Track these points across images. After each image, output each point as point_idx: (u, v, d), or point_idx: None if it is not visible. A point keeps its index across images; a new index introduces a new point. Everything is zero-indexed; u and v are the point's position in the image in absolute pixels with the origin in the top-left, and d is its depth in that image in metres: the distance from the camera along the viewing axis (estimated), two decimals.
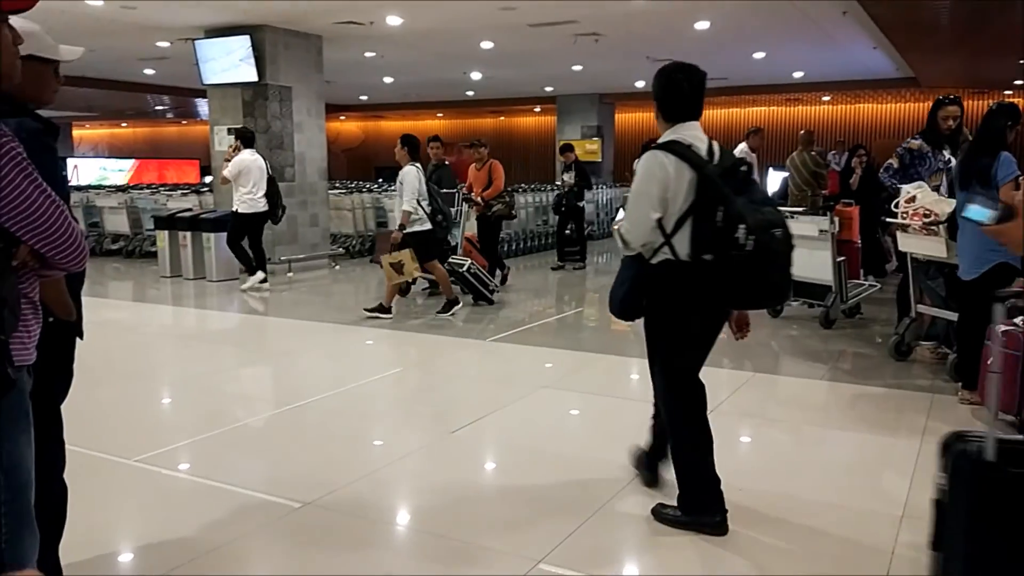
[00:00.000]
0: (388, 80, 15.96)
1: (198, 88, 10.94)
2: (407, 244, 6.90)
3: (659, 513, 3.02)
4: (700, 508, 2.91)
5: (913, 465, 3.60)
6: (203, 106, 15.29)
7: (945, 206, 4.83)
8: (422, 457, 3.82)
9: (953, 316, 4.89)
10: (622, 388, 5.19)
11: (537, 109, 20.64)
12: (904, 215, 5.13)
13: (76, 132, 25.03)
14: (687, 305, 2.77)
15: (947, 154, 5.45)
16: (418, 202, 6.89)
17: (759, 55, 12.35)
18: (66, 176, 2.22)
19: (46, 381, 2.07)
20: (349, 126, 24.08)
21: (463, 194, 8.71)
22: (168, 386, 5.24)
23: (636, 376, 5.46)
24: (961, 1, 7.96)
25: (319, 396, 4.78)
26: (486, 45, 11.50)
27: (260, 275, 8.66)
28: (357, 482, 3.43)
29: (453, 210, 8.06)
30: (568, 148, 10.83)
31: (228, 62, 9.98)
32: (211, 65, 10.16)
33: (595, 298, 8.81)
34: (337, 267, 10.86)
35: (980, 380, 4.19)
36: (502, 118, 22.47)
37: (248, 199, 8.46)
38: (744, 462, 3.82)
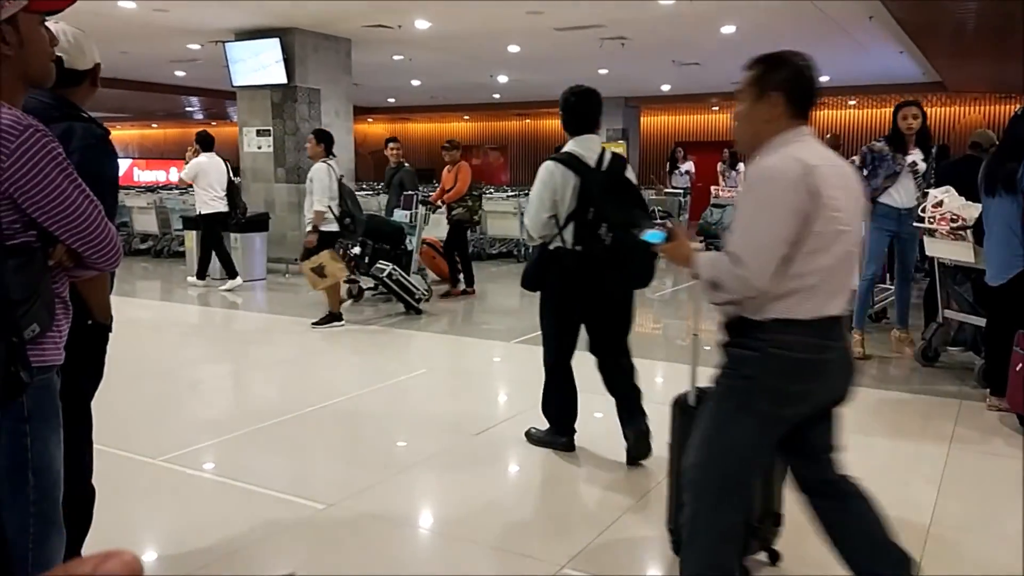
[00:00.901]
0: (416, 83, 16.07)
1: (228, 90, 11.08)
2: (324, 245, 6.57)
3: (528, 434, 3.96)
4: (556, 431, 3.83)
5: (940, 473, 3.57)
6: (233, 108, 15.50)
7: (972, 211, 4.78)
8: (445, 460, 3.85)
9: (981, 321, 4.84)
10: (646, 392, 5.18)
11: None
12: (931, 220, 5.09)
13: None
14: (571, 281, 3.40)
15: (912, 156, 5.52)
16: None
17: None
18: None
19: (75, 380, 2.08)
20: (376, 128, 24.24)
21: (421, 197, 8.55)
22: (194, 386, 5.32)
23: (660, 380, 5.46)
24: (989, 4, 7.87)
25: (344, 397, 4.84)
26: (513, 49, 11.55)
27: (239, 280, 8.89)
28: (381, 484, 3.47)
29: (408, 213, 7.88)
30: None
31: (258, 64, 10.12)
32: (241, 67, 10.30)
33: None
34: None
35: (1009, 386, 4.15)
36: (528, 120, 22.51)
37: (206, 199, 8.75)
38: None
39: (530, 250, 3.70)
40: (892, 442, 4.07)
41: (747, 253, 1.95)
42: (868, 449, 4.02)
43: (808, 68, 2.19)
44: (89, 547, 2.38)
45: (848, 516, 2.16)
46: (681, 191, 13.20)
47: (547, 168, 3.42)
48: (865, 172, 5.45)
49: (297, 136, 10.16)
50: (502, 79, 15.25)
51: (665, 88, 16.22)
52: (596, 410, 4.67)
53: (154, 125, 26.68)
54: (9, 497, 1.69)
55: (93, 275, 1.89)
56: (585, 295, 3.51)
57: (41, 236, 1.69)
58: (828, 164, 2.04)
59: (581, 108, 3.50)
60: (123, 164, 23.22)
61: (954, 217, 4.89)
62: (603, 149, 3.46)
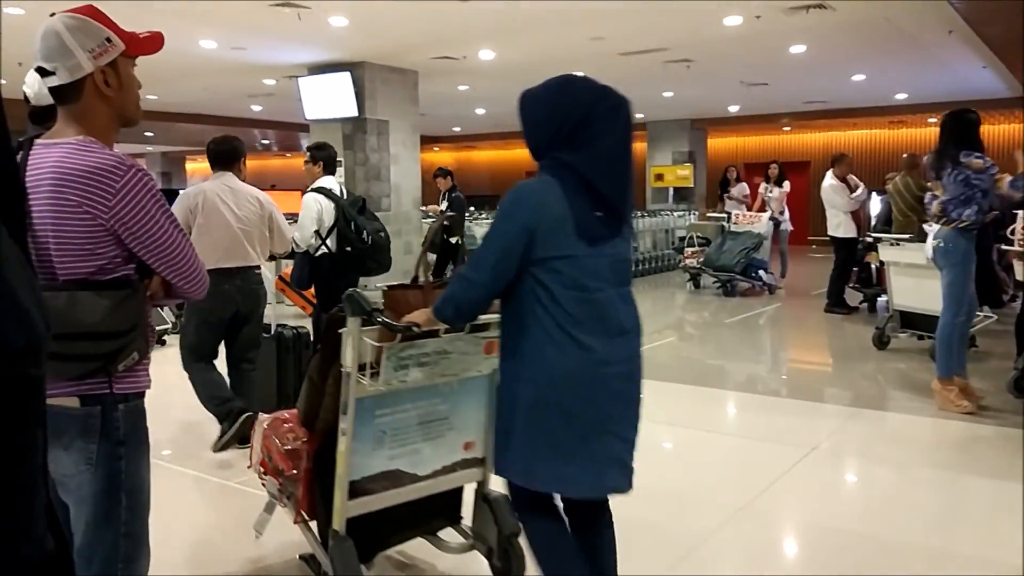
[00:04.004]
0: (480, 111, 16.27)
1: (302, 123, 11.43)
2: None
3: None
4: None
5: None
6: (306, 140, 15.98)
7: None
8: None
9: None
10: (715, 422, 5.06)
11: None
12: (1021, 242, 4.84)
13: (189, 165, 26.54)
14: (337, 276, 4.23)
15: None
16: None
17: (858, 77, 11.96)
18: None
19: None
20: (442, 156, 24.63)
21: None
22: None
23: (730, 410, 5.34)
24: None
25: None
26: (576, 75, 11.56)
27: None
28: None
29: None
30: (443, 173, 9.78)
31: (329, 98, 10.42)
32: (313, 101, 10.62)
33: (671, 326, 8.66)
34: None
35: None
36: None
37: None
38: (847, 504, 3.66)
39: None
40: (979, 479, 3.85)
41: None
42: (953, 485, 3.82)
43: None
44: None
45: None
46: (726, 216, 12.54)
47: (312, 197, 4.68)
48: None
49: (367, 166, 10.40)
50: None
51: (733, 109, 15.99)
52: (657, 440, 4.57)
53: None
54: (103, 517, 1.77)
55: (177, 302, 1.97)
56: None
57: (138, 268, 1.78)
58: None
59: (328, 158, 4.92)
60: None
61: None
62: (340, 185, 4.90)
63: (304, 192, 4.75)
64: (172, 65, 10.18)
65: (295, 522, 2.64)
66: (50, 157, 1.70)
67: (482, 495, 2.71)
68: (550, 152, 2.02)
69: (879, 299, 8.30)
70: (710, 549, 3.08)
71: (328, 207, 4.55)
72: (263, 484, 2.79)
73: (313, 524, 2.59)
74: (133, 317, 1.73)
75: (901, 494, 3.74)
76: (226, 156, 4.14)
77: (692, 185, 17.28)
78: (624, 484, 2.11)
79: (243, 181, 4.16)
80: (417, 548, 2.89)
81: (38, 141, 1.77)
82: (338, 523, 2.37)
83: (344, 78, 10.18)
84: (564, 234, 1.94)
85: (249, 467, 2.91)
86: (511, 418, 2.05)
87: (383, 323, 2.21)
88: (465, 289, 2.03)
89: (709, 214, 12.69)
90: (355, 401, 2.32)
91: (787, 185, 10.89)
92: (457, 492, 2.78)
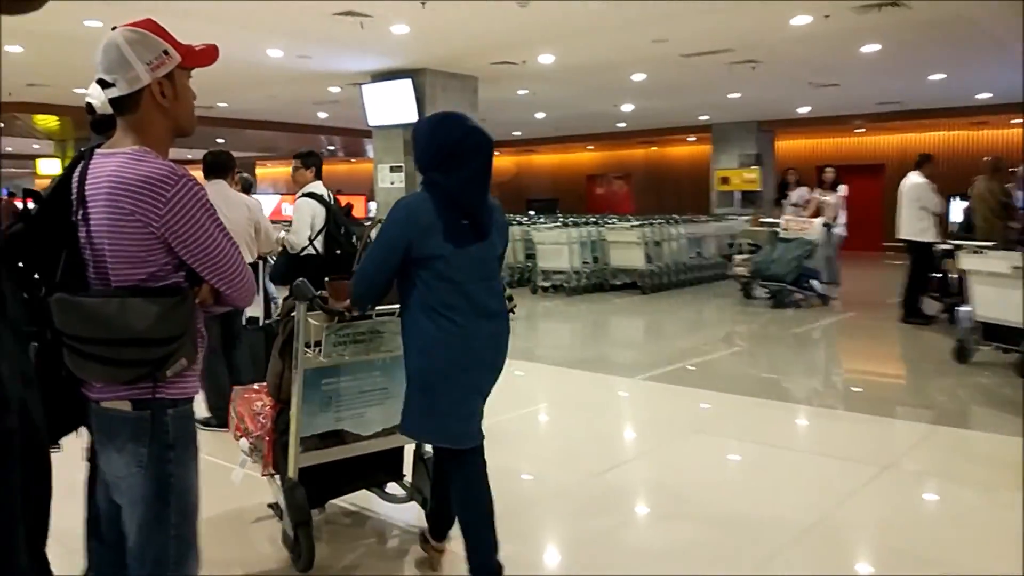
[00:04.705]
0: (540, 115, 16.22)
1: (365, 129, 11.57)
2: None
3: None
4: None
5: None
6: (370, 145, 16.22)
7: None
8: (565, 499, 3.73)
9: None
10: (782, 437, 4.86)
11: (691, 138, 20.24)
12: None
13: (259, 170, 27.26)
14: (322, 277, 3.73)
15: None
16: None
17: (936, 77, 11.47)
18: None
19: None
20: (502, 161, 24.67)
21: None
22: None
23: (798, 424, 5.13)
24: None
25: None
26: (637, 77, 11.42)
27: None
28: (498, 520, 3.39)
29: None
30: None
31: (391, 104, 10.52)
32: (375, 108, 10.74)
33: (729, 336, 8.41)
34: None
35: None
36: (654, 148, 22.20)
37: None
38: (925, 527, 3.44)
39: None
40: None
41: None
42: None
43: None
44: None
45: None
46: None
47: (305, 201, 4.83)
48: None
49: None
50: (627, 108, 15.12)
51: (802, 111, 15.55)
52: (726, 455, 4.41)
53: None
54: (153, 520, 1.81)
55: (226, 310, 2.02)
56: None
57: (188, 276, 1.81)
58: None
59: (315, 164, 5.03)
60: (272, 200, 24.78)
61: None
62: (328, 191, 4.98)
63: (297, 197, 5.07)
64: (241, 74, 10.44)
65: (262, 475, 3.09)
66: (108, 166, 1.75)
67: (419, 455, 3.19)
68: (428, 172, 2.53)
69: (960, 309, 7.88)
70: (777, 570, 2.93)
71: (319, 211, 4.74)
72: (238, 444, 3.19)
73: (277, 477, 3.02)
74: (182, 324, 1.75)
75: (985, 518, 3.50)
76: (220, 167, 4.75)
77: (760, 189, 16.83)
78: (480, 436, 2.64)
79: (234, 189, 4.86)
80: (364, 499, 3.45)
81: (98, 151, 1.82)
82: (292, 472, 2.86)
83: (405, 85, 10.27)
84: (435, 238, 2.45)
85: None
86: (408, 385, 2.58)
87: (320, 307, 2.74)
88: (358, 282, 2.56)
89: (762, 219, 12.18)
90: (304, 371, 2.82)
91: (843, 189, 10.30)
92: (398, 451, 3.27)
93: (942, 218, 8.23)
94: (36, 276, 1.75)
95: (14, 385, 0.96)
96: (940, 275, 8.29)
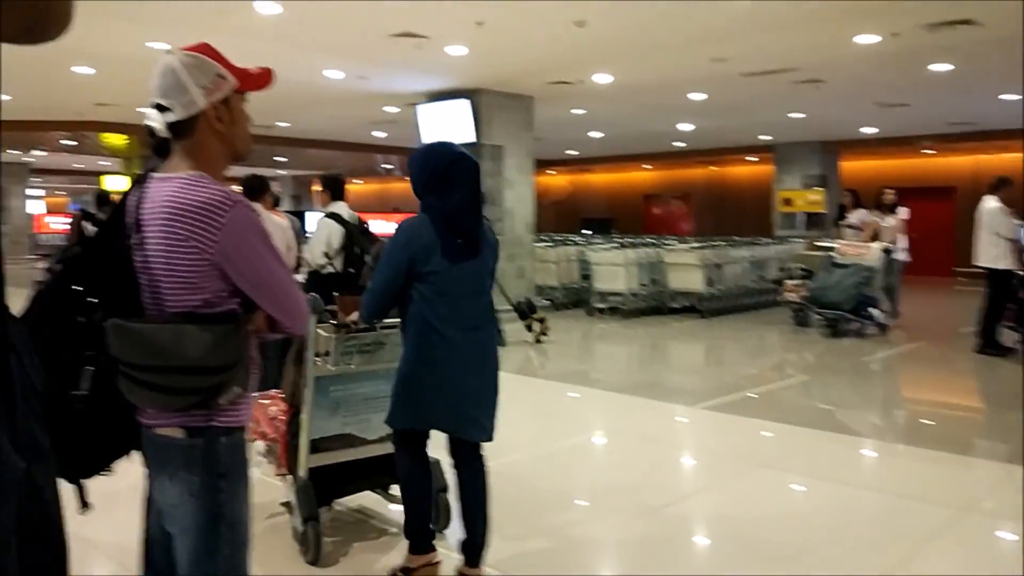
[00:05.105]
0: (596, 135, 16.12)
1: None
2: None
3: None
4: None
5: None
6: None
7: None
8: (620, 533, 3.58)
9: None
10: (850, 474, 4.61)
11: (752, 158, 19.86)
12: None
13: (315, 187, 27.81)
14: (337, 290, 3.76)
15: None
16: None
17: (1011, 96, 10.98)
18: None
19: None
20: (557, 180, 24.64)
21: None
22: None
23: (867, 460, 4.87)
24: None
25: (513, 457, 4.70)
26: (696, 96, 11.23)
27: None
28: (549, 551, 3.28)
29: None
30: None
31: (446, 124, 10.55)
32: (430, 128, 10.79)
33: (811, 366, 8.11)
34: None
35: None
36: (713, 168, 21.86)
37: None
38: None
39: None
40: None
41: None
42: None
43: None
44: None
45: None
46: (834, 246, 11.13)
47: (324, 221, 4.92)
48: None
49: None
50: (685, 127, 14.91)
51: (868, 131, 15.10)
52: (793, 493, 4.19)
53: (357, 181, 28.83)
54: (203, 549, 1.78)
55: (278, 338, 2.00)
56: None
57: (242, 303, 1.78)
58: None
59: (335, 187, 5.24)
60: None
61: None
62: (349, 210, 5.05)
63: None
64: (301, 94, 10.62)
65: (276, 474, 3.34)
66: (164, 191, 1.74)
67: None
68: (425, 197, 2.80)
69: None
70: None
71: (337, 231, 4.87)
72: (254, 446, 3.37)
73: (290, 477, 3.26)
74: (236, 352, 1.73)
75: None
76: (255, 190, 5.28)
77: (825, 211, 16.33)
78: (476, 433, 2.89)
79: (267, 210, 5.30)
80: (369, 499, 3.67)
81: (155, 175, 1.80)
82: (303, 471, 3.14)
83: (463, 105, 10.29)
84: (433, 256, 2.72)
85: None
86: (395, 384, 2.85)
87: (328, 320, 3.05)
88: (368, 300, 2.84)
89: (817, 243, 11.71)
90: (314, 379, 3.12)
91: (904, 212, 9.75)
92: None
93: (1016, 244, 7.81)
94: (93, 300, 1.73)
95: (11, 459, 0.89)
96: (1018, 304, 7.87)
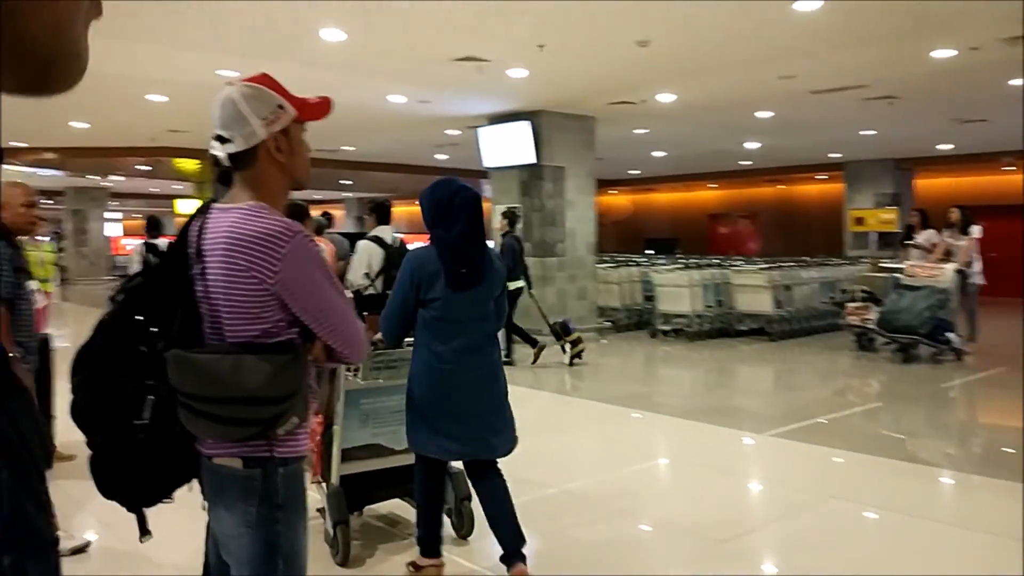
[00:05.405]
0: (659, 154, 15.96)
1: (483, 170, 11.71)
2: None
3: None
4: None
5: None
6: (487, 185, 16.48)
7: None
8: (685, 566, 3.45)
9: None
10: (927, 506, 4.36)
11: (822, 176, 19.36)
12: None
13: None
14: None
15: None
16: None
17: None
18: None
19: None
20: (620, 199, 24.47)
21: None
22: None
23: (945, 492, 4.61)
24: None
25: (578, 482, 4.61)
26: (763, 115, 11.01)
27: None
28: None
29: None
30: (506, 215, 8.63)
31: (507, 146, 10.59)
32: (491, 150, 10.85)
33: (884, 393, 7.77)
34: (604, 341, 10.80)
35: None
36: (781, 186, 21.38)
37: None
38: None
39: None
40: None
41: None
42: None
43: None
44: None
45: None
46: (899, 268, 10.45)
47: (366, 244, 4.88)
48: None
49: (543, 213, 10.41)
50: (752, 145, 14.63)
51: (944, 147, 14.55)
52: (866, 526, 3.98)
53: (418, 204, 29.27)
54: None
55: (335, 366, 1.96)
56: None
57: (301, 332, 1.78)
58: None
59: (382, 214, 5.12)
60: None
61: None
62: (393, 234, 4.98)
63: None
64: (365, 119, 10.83)
65: (311, 482, 3.31)
66: (225, 222, 1.75)
67: (446, 470, 3.47)
68: (433, 229, 3.00)
69: None
70: None
71: (377, 253, 5.02)
72: None
73: (324, 484, 3.49)
74: (294, 383, 1.72)
75: None
76: (295, 218, 5.21)
77: (898, 230, 15.77)
78: (488, 453, 3.06)
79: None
80: (397, 506, 3.88)
81: (215, 205, 1.82)
82: (334, 478, 3.40)
83: (524, 127, 10.32)
84: (438, 284, 2.93)
85: None
86: (408, 411, 3.05)
87: None
88: (382, 322, 3.05)
89: (881, 264, 11.20)
90: (346, 392, 3.37)
91: (977, 231, 9.21)
92: None
93: None
94: (154, 330, 1.75)
95: None
96: None
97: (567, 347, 8.59)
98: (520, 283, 8.52)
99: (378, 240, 5.11)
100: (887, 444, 5.57)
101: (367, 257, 5.11)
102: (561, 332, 8.69)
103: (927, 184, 17.92)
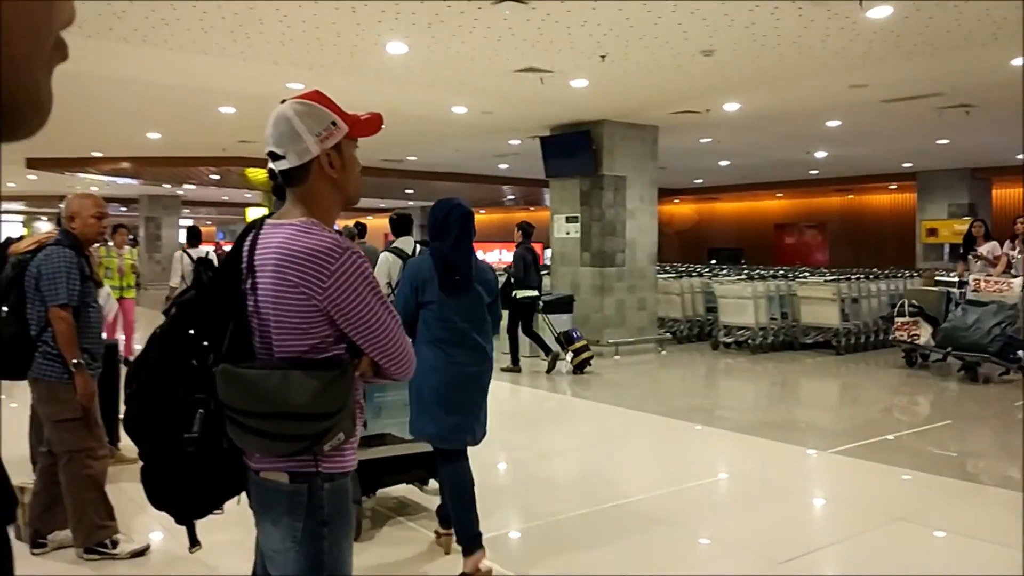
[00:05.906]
0: (724, 163, 15.72)
1: (543, 179, 11.73)
2: None
3: None
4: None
5: None
6: (548, 194, 16.50)
7: None
8: None
9: None
10: (999, 531, 4.17)
11: (893, 186, 18.76)
12: None
13: None
14: None
15: None
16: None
17: None
18: None
19: None
20: (683, 208, 24.15)
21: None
22: (481, 469, 5.31)
23: (1019, 518, 4.39)
24: None
25: (636, 496, 4.56)
26: (833, 124, 10.74)
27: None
28: None
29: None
30: (520, 226, 9.02)
31: (568, 156, 10.58)
32: (553, 159, 10.86)
33: (953, 411, 7.46)
34: (664, 352, 10.68)
35: None
36: (851, 196, 20.79)
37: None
38: None
39: None
40: None
41: None
42: None
43: None
44: None
45: None
46: (956, 281, 9.63)
47: (385, 255, 5.14)
48: None
49: (603, 222, 10.37)
50: (820, 154, 14.28)
51: (1023, 157, 13.94)
52: (934, 550, 3.83)
53: (481, 211, 29.46)
54: None
55: (383, 382, 1.98)
56: None
57: (348, 348, 1.78)
58: None
59: (400, 224, 5.36)
60: None
61: None
62: (415, 244, 5.17)
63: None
64: (429, 130, 10.98)
65: None
66: (276, 237, 1.76)
67: None
68: (432, 241, 3.41)
69: None
70: None
71: (396, 263, 5.17)
72: None
73: None
74: (341, 399, 1.72)
75: None
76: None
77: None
78: (471, 441, 3.42)
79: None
80: (406, 490, 4.35)
81: (268, 221, 1.84)
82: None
83: (584, 137, 10.30)
84: (432, 288, 3.32)
85: None
86: (409, 398, 3.44)
87: None
88: None
89: (937, 277, 10.57)
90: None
91: None
92: (434, 454, 3.82)
93: None
94: (205, 344, 1.78)
95: None
96: None
97: (570, 356, 8.73)
98: (533, 292, 8.83)
99: (398, 251, 5.26)
100: (956, 464, 5.36)
101: (387, 268, 5.29)
102: (564, 342, 8.81)
103: (1005, 194, 17.20)
